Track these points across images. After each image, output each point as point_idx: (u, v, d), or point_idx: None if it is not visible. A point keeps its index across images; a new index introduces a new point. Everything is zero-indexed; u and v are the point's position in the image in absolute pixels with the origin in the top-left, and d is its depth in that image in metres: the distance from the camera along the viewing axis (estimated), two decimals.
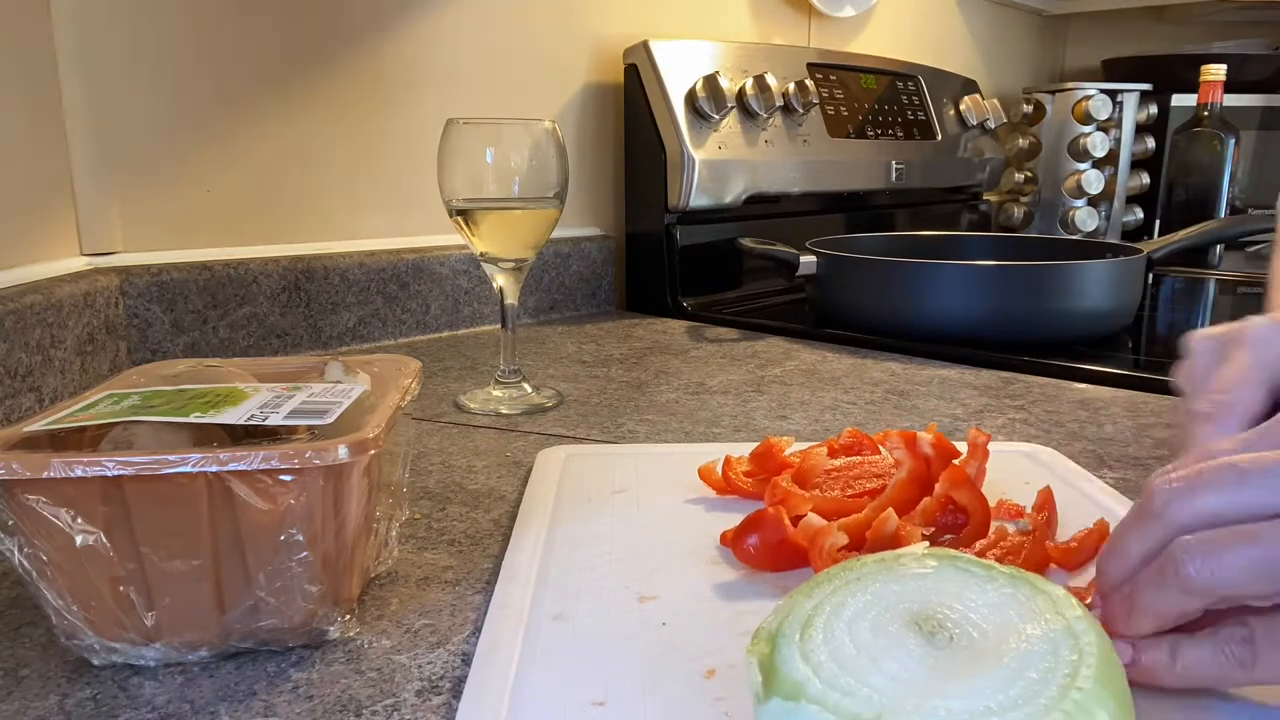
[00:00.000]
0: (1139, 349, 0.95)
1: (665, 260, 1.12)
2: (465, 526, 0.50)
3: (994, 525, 0.46)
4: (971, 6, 1.77)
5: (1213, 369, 0.40)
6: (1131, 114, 1.68)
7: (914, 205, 1.47)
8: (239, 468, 0.33)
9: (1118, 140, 1.68)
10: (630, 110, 1.12)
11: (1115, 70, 1.84)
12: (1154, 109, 1.70)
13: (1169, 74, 1.69)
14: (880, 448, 0.54)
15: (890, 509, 0.43)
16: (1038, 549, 0.42)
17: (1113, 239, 1.70)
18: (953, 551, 0.30)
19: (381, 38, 0.92)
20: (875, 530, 0.42)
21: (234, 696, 0.34)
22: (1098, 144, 1.63)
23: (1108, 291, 0.93)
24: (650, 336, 0.99)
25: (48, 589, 0.34)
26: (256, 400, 0.39)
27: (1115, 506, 0.49)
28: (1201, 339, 0.42)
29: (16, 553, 0.34)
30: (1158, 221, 1.67)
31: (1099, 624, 0.27)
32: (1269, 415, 0.36)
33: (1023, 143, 1.71)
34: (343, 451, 0.34)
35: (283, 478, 0.34)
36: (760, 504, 0.48)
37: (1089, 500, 0.51)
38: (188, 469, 0.33)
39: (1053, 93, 1.68)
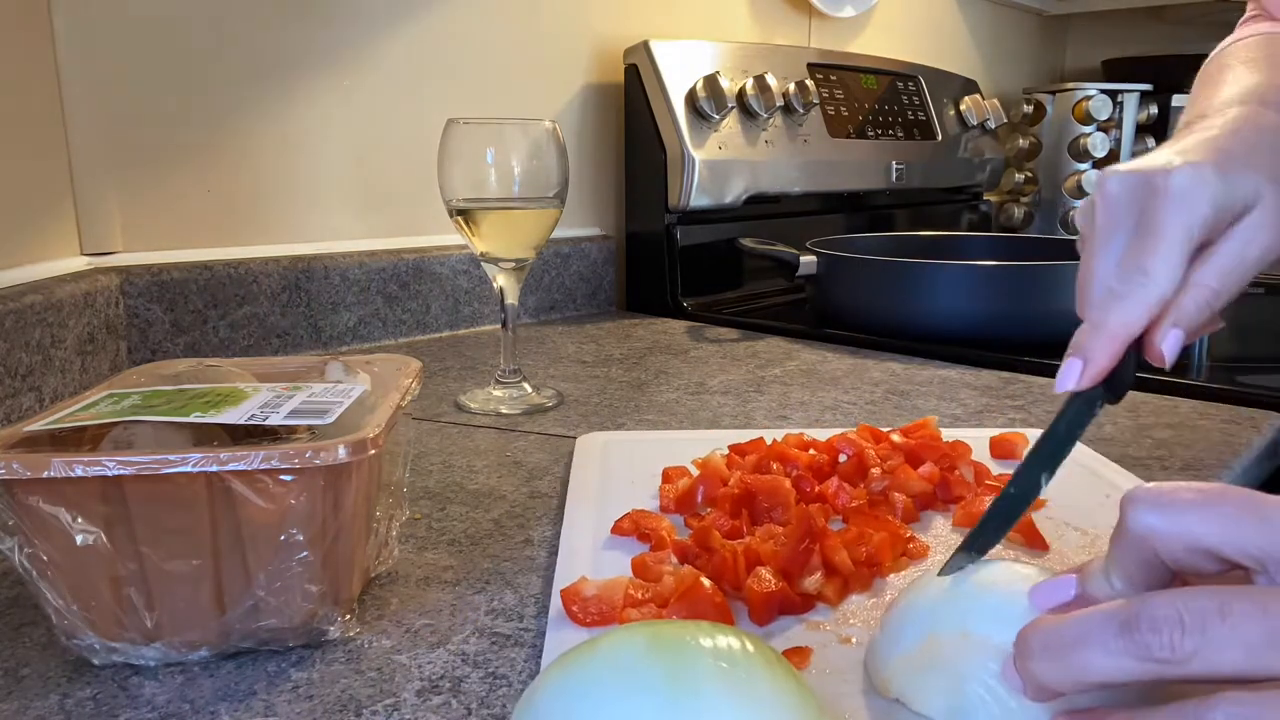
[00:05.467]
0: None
1: (665, 260, 1.12)
2: (465, 526, 0.50)
3: None
4: (971, 6, 1.77)
5: (1125, 224, 0.35)
6: (1132, 114, 1.68)
7: (914, 205, 1.47)
8: (239, 467, 0.33)
9: (1118, 140, 1.68)
10: (630, 110, 1.12)
11: (1115, 70, 1.84)
12: (1154, 109, 1.70)
13: (1169, 74, 1.69)
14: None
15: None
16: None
17: None
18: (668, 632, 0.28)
19: (382, 38, 0.92)
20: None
21: (234, 696, 0.34)
22: (1098, 144, 1.63)
23: None
24: (650, 336, 0.99)
25: (48, 589, 0.34)
26: (257, 400, 0.39)
27: (1118, 479, 0.52)
28: (1117, 181, 0.36)
29: (17, 553, 0.34)
30: None
31: None
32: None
33: (1023, 143, 1.71)
34: (343, 451, 0.34)
35: (283, 477, 0.34)
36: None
37: (1096, 476, 0.53)
38: (188, 469, 0.33)
39: (1053, 93, 1.68)
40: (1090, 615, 0.25)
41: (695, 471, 0.53)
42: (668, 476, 0.53)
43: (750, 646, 0.27)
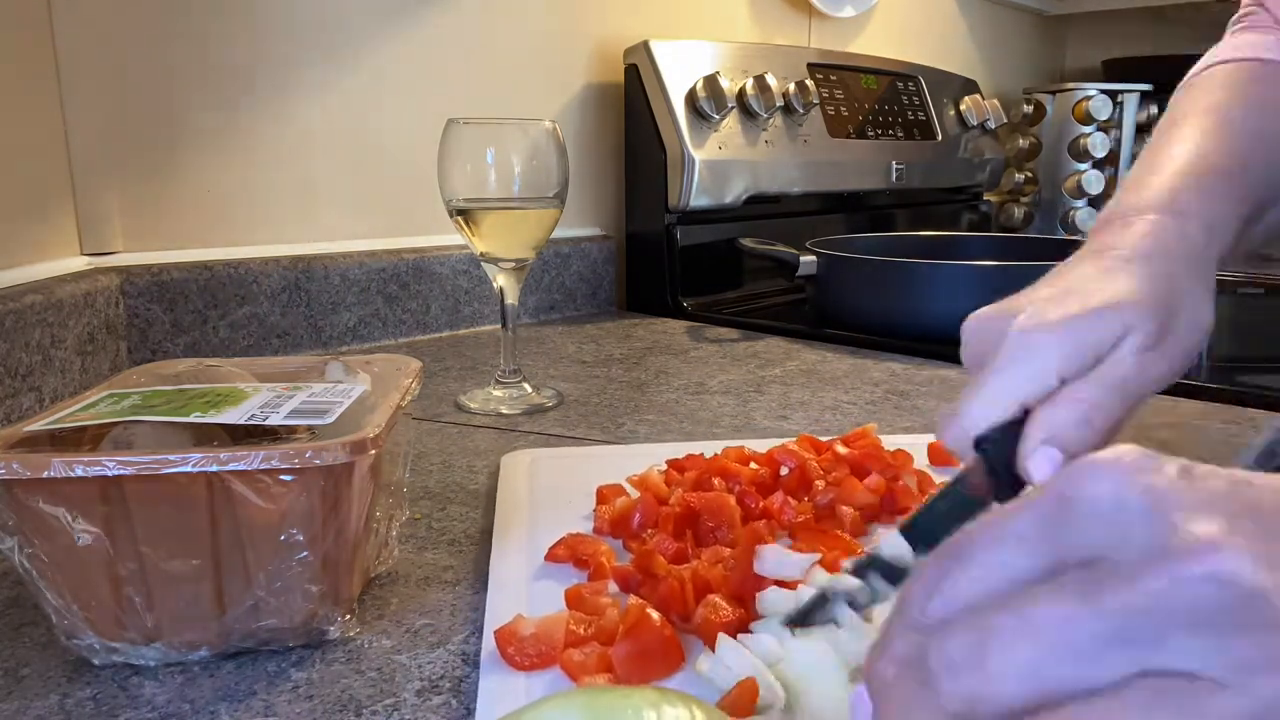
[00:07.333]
0: None
1: (665, 260, 1.12)
2: (465, 526, 0.50)
3: None
4: (971, 6, 1.77)
5: (975, 368, 0.38)
6: (1132, 114, 1.68)
7: (914, 205, 1.47)
8: (239, 467, 0.33)
9: (1118, 140, 1.68)
10: (630, 110, 1.12)
11: (1115, 70, 1.84)
12: (1154, 109, 1.70)
13: (1169, 74, 1.68)
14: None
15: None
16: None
17: None
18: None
19: (382, 38, 0.92)
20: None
21: (234, 696, 0.34)
22: (1098, 144, 1.63)
23: None
24: (650, 336, 0.99)
25: (48, 589, 0.34)
26: (257, 400, 0.39)
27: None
28: (973, 325, 0.41)
29: (17, 553, 0.34)
30: None
31: None
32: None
33: (1023, 143, 1.71)
34: (343, 452, 0.34)
35: (283, 478, 0.34)
36: None
37: None
38: (188, 469, 0.33)
39: (1053, 93, 1.68)
40: None
41: (631, 489, 0.50)
42: (602, 496, 0.49)
43: (701, 718, 0.24)
